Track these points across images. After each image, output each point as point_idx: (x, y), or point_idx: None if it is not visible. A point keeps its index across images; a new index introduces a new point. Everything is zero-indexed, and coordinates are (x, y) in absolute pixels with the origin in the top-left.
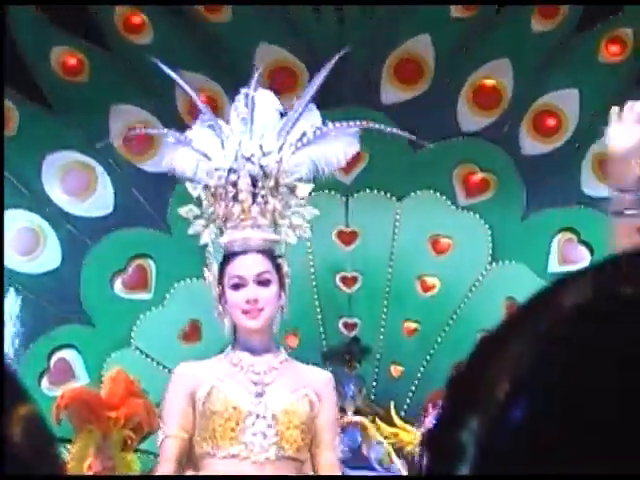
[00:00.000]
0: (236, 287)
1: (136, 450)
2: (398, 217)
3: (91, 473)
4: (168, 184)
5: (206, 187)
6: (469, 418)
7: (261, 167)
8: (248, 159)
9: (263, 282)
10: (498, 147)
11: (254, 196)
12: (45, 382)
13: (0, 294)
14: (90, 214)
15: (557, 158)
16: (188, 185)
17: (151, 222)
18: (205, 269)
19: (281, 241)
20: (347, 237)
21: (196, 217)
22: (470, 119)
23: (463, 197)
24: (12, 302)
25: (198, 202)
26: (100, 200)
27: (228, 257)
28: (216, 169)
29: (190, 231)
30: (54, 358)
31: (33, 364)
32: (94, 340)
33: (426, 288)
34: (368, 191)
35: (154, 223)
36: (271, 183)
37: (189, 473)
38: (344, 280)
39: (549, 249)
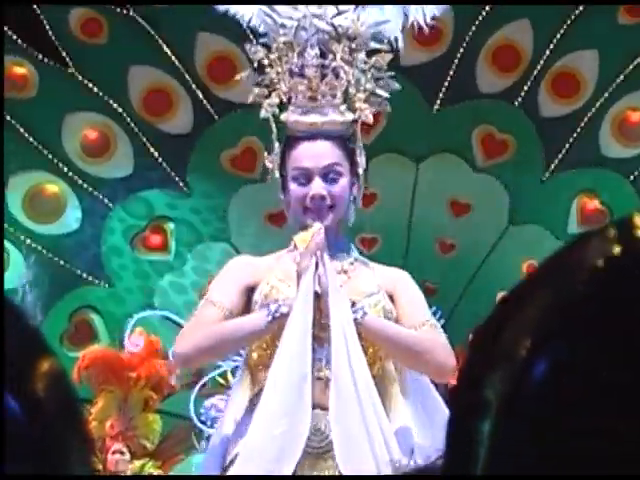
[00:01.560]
0: (299, 180)
1: (157, 410)
2: (417, 179)
3: (113, 433)
4: (188, 145)
5: (268, 48)
6: (492, 375)
7: (333, 27)
8: (319, 17)
9: (332, 176)
10: (517, 109)
11: (323, 69)
12: (67, 342)
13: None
14: (110, 175)
15: (576, 120)
16: (248, 49)
17: (171, 184)
18: (265, 153)
19: (357, 120)
20: (366, 199)
21: (256, 84)
22: (489, 81)
23: (482, 159)
24: (33, 263)
25: (259, 68)
26: (120, 161)
27: (291, 141)
28: (282, 25)
29: (249, 100)
30: (75, 319)
31: (55, 325)
32: (115, 301)
33: (445, 249)
34: (387, 153)
35: (174, 185)
36: (345, 48)
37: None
38: (363, 241)
39: (568, 211)
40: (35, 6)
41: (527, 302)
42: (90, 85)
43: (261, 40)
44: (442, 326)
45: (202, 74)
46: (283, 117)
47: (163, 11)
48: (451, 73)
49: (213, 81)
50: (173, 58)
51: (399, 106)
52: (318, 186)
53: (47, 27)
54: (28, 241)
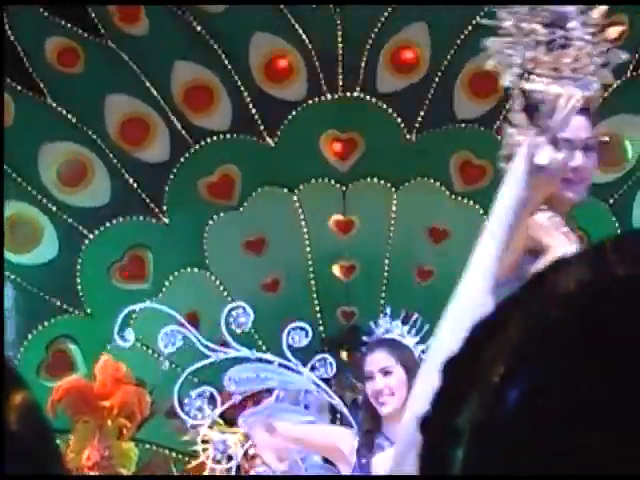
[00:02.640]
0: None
1: (133, 439)
2: (395, 205)
3: (90, 464)
4: (165, 174)
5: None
6: (465, 402)
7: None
8: None
9: (586, 148)
10: (494, 135)
11: (565, 41)
12: (44, 373)
13: (0, 293)
14: (87, 204)
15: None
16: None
17: (148, 212)
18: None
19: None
20: (344, 225)
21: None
22: (466, 107)
23: (460, 185)
24: (9, 294)
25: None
26: (96, 190)
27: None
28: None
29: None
30: (52, 349)
31: (32, 355)
32: (91, 331)
33: (423, 277)
34: (365, 179)
35: (151, 213)
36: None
37: None
38: (341, 268)
39: None
40: (10, 36)
41: (501, 329)
42: (67, 114)
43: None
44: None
45: (179, 102)
46: (528, 86)
47: (139, 39)
48: (429, 100)
49: (190, 109)
50: (150, 87)
51: (377, 132)
52: (579, 158)
53: (23, 56)
54: (5, 271)
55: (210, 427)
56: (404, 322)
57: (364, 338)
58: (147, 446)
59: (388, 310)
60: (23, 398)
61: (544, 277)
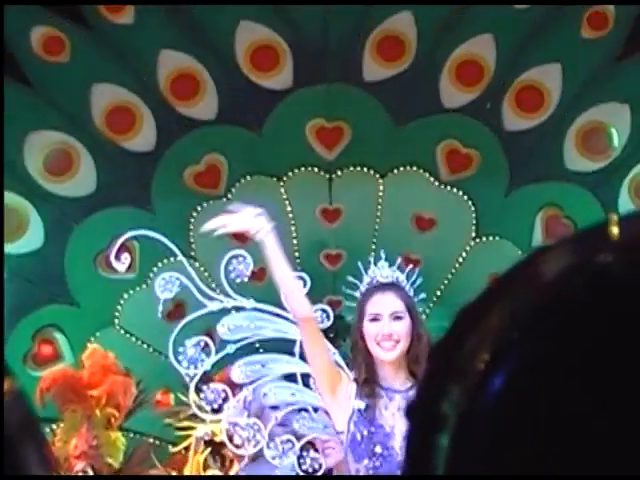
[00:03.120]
0: None
1: (121, 428)
2: (381, 194)
3: (77, 453)
4: (151, 163)
5: None
6: (450, 388)
7: None
8: None
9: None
10: (481, 123)
11: None
12: (30, 362)
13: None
14: (73, 194)
15: (540, 134)
16: None
17: (134, 201)
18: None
19: None
20: (330, 214)
21: None
22: (453, 95)
23: (446, 173)
24: None
25: None
26: (83, 179)
27: None
28: None
29: None
30: (38, 338)
31: (18, 344)
32: (78, 320)
33: (409, 265)
34: (351, 168)
35: (137, 202)
36: None
37: None
38: (328, 258)
39: (533, 225)
40: None
41: (485, 315)
42: (52, 103)
43: None
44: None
45: (165, 91)
46: None
47: (125, 28)
48: (414, 88)
49: (176, 98)
50: (135, 76)
51: (363, 121)
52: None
53: (9, 45)
54: None
55: (195, 416)
56: (400, 270)
57: (351, 280)
58: (134, 435)
59: (383, 254)
60: (9, 386)
61: (528, 263)
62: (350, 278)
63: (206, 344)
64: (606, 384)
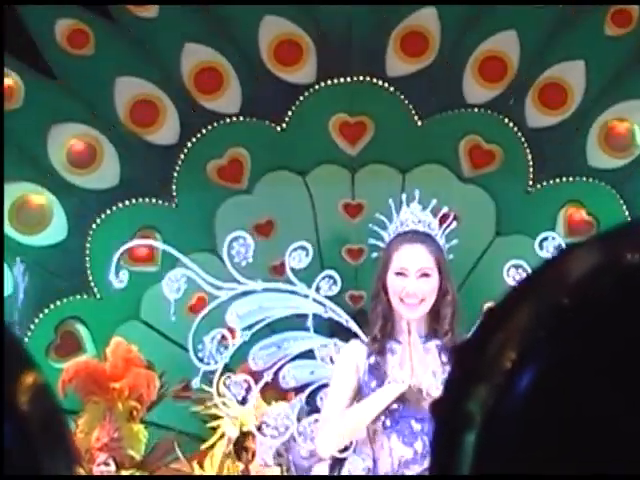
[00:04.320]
0: None
1: (143, 421)
2: (403, 190)
3: (99, 445)
4: (174, 156)
5: None
6: (476, 387)
7: None
8: None
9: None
10: (504, 120)
11: None
12: (52, 354)
13: (0, 283)
14: (96, 186)
15: (563, 130)
16: None
17: (157, 194)
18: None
19: None
20: (353, 209)
21: None
22: (476, 91)
23: (468, 170)
24: (19, 274)
25: None
26: (106, 172)
27: None
28: None
29: None
30: (61, 330)
31: (40, 336)
32: (101, 313)
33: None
34: (374, 164)
35: (160, 195)
36: None
37: None
38: (350, 252)
39: (555, 222)
40: (22, 19)
41: (512, 314)
42: (76, 96)
43: None
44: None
45: (189, 85)
46: None
47: (149, 21)
48: (438, 84)
49: (200, 91)
50: (159, 69)
51: (386, 116)
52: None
53: (33, 38)
54: (14, 252)
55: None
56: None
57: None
58: (156, 428)
59: (417, 194)
60: (34, 379)
61: (555, 263)
62: (376, 228)
63: (223, 336)
64: (634, 385)
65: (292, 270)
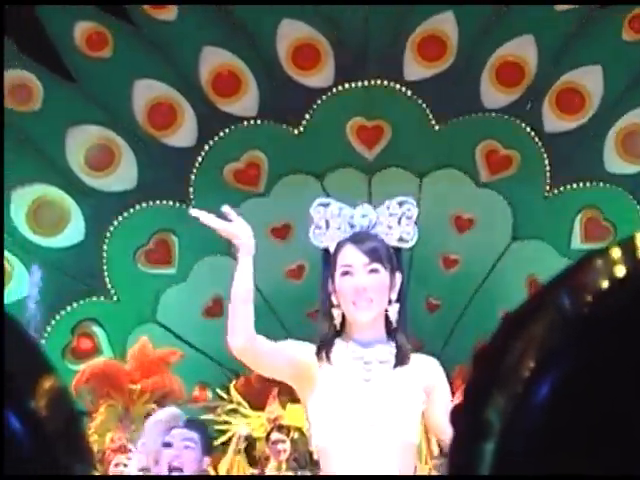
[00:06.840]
0: None
1: None
2: (420, 194)
3: (114, 446)
4: (191, 159)
5: None
6: (495, 396)
7: None
8: None
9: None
10: (521, 124)
11: None
12: (69, 356)
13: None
14: (113, 188)
15: (580, 135)
16: None
17: (174, 197)
18: None
19: None
20: None
21: None
22: (493, 96)
23: (485, 174)
24: (36, 276)
25: None
26: (124, 174)
27: None
28: None
29: None
30: (77, 332)
31: (57, 338)
32: (117, 314)
33: (448, 265)
34: (391, 167)
35: (177, 198)
36: None
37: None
38: None
39: (572, 227)
40: (40, 21)
41: (530, 322)
42: (95, 98)
43: None
44: (444, 342)
45: (206, 88)
46: None
47: (168, 24)
48: (455, 88)
49: (217, 95)
50: (177, 72)
51: (403, 121)
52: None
53: (52, 41)
54: (31, 254)
55: (234, 411)
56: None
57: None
58: None
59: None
60: (53, 383)
61: (574, 271)
62: None
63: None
64: None
65: None
